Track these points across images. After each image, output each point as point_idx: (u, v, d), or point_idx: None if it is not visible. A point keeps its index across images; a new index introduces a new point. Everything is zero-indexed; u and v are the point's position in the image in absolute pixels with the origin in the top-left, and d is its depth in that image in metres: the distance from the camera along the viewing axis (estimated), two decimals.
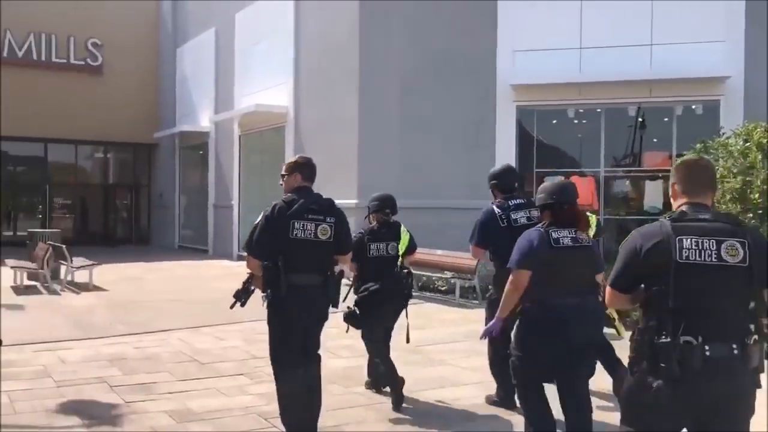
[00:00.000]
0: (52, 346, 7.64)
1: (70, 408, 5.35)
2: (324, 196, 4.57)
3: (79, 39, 22.91)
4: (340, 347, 7.62)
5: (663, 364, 2.72)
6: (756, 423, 2.89)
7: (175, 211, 23.08)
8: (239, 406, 5.47)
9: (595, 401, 4.40)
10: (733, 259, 2.76)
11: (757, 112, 9.88)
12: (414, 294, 8.03)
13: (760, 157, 7.65)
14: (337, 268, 4.58)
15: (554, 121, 13.87)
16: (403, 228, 5.77)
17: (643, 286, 2.92)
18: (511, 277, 4.12)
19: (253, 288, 4.50)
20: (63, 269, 12.98)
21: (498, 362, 5.29)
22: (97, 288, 12.35)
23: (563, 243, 4.03)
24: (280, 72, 16.68)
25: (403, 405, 5.48)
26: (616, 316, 5.10)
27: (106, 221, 25.58)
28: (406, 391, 5.62)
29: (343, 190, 13.31)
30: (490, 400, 5.58)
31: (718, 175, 6.70)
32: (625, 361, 2.99)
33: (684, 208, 2.94)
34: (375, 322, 5.63)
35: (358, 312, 5.53)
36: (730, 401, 2.79)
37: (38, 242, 13.46)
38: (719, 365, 2.71)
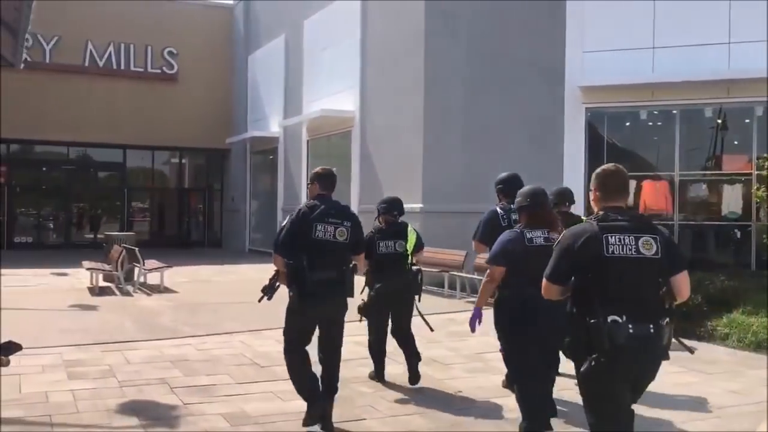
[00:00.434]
0: (119, 346, 7.86)
1: (129, 408, 5.47)
2: (341, 203, 5.20)
3: (156, 48, 23.69)
4: (398, 353, 7.56)
5: (595, 341, 3.25)
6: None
7: (245, 215, 23.54)
8: (294, 411, 5.45)
9: None
10: (649, 252, 3.34)
11: None
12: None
13: None
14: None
15: (627, 124, 13.44)
16: (410, 228, 6.33)
17: (573, 278, 3.44)
18: (488, 271, 4.71)
19: (278, 284, 5.01)
20: (136, 271, 13.39)
21: None
22: (167, 290, 12.68)
23: (536, 242, 4.54)
24: (346, 77, 16.79)
25: (463, 410, 5.39)
26: None
27: (181, 225, 26.33)
28: (465, 399, 5.50)
29: (408, 194, 13.25)
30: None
31: None
32: None
33: (605, 211, 3.47)
34: (383, 315, 6.23)
35: (372, 304, 6.14)
36: (647, 371, 3.43)
37: (113, 245, 13.94)
38: (640, 341, 3.25)
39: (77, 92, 22.53)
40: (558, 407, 5.12)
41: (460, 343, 8.29)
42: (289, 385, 6.04)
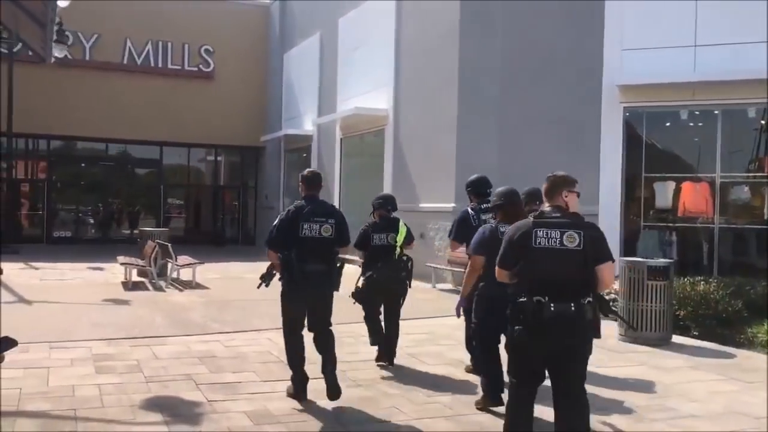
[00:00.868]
0: (148, 341, 7.88)
1: (154, 404, 5.45)
2: (329, 203, 5.94)
3: (193, 46, 23.89)
4: (425, 354, 7.45)
5: (522, 316, 3.98)
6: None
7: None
8: (317, 411, 5.40)
9: None
10: (572, 245, 3.97)
11: None
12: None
13: None
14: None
15: (666, 124, 13.12)
16: (401, 222, 6.95)
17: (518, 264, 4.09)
18: (470, 261, 5.44)
19: (274, 272, 5.73)
20: (169, 267, 13.49)
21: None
22: (199, 286, 12.74)
23: None
24: (380, 75, 16.71)
25: (486, 417, 5.26)
26: None
27: (215, 221, 26.54)
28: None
29: (441, 194, 13.14)
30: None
31: None
32: None
33: (545, 208, 4.19)
34: (376, 300, 6.85)
35: (364, 291, 6.76)
36: (571, 345, 4.01)
37: (147, 240, 14.07)
38: (560, 318, 3.90)
39: (115, 90, 22.83)
40: None
41: None
42: (315, 384, 6.04)
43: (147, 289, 12.42)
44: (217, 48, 24.08)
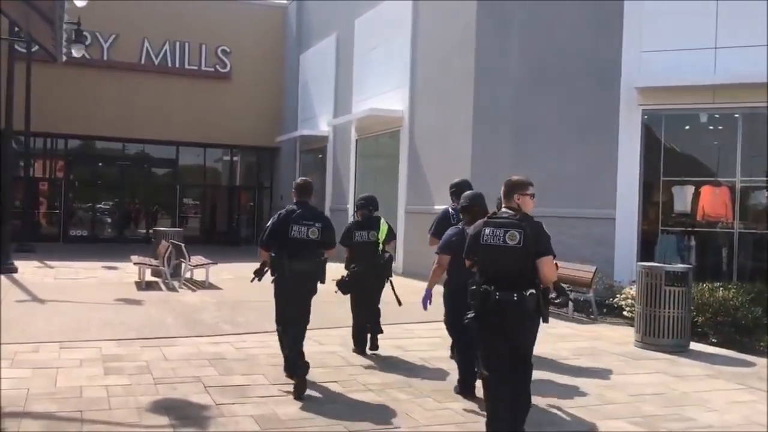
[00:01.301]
0: (158, 342, 7.84)
1: (161, 406, 5.39)
2: (317, 209, 6.51)
3: (210, 46, 23.94)
4: (437, 359, 7.36)
5: (472, 302, 4.64)
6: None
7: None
8: (326, 416, 5.31)
9: None
10: (512, 242, 4.54)
11: None
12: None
13: None
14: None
15: (686, 127, 12.91)
16: (382, 221, 7.54)
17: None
18: (437, 259, 5.95)
19: (266, 269, 6.29)
20: (183, 267, 13.49)
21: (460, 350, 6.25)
22: (212, 286, 12.72)
23: None
24: (396, 76, 16.63)
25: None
26: None
27: (231, 222, 26.58)
28: None
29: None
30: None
31: None
32: None
33: (498, 210, 4.86)
34: (358, 293, 7.44)
35: (346, 283, 7.34)
36: (516, 326, 4.60)
37: (161, 240, 14.07)
38: (503, 304, 4.52)
39: (133, 90, 22.94)
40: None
41: None
42: (324, 388, 5.97)
43: (160, 289, 12.40)
44: (233, 48, 24.12)
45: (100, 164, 25.91)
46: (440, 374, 6.73)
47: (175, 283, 12.83)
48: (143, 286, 12.43)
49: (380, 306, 7.74)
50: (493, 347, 4.65)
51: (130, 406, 5.38)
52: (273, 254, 6.14)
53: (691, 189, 12.25)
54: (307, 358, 7.11)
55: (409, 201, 15.91)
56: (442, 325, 6.43)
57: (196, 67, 23.93)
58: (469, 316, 4.69)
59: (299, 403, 5.60)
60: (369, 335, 7.60)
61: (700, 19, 11.75)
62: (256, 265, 6.41)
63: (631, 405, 5.91)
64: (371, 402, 5.75)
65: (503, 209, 4.75)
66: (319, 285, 6.22)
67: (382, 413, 5.44)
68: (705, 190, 12.06)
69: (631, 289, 10.04)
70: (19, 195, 20.30)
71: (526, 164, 12.95)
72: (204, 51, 23.93)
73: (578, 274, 10.86)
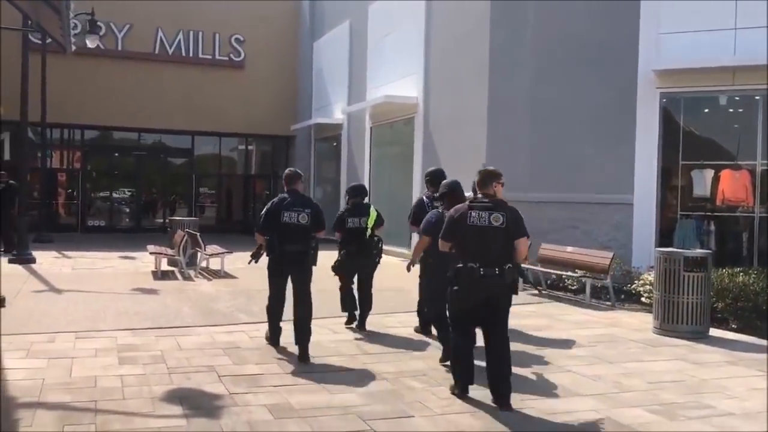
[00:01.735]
0: (173, 331, 7.85)
1: (175, 396, 5.38)
2: (306, 196, 7.24)
3: (224, 35, 23.88)
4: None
5: (458, 278, 5.31)
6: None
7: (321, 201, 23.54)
8: (340, 405, 5.27)
9: None
10: (497, 223, 5.25)
11: None
12: (542, 292, 11.12)
13: None
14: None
15: (705, 110, 12.69)
16: (372, 208, 8.17)
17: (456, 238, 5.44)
18: (419, 239, 6.57)
19: (262, 252, 6.98)
20: (199, 256, 13.51)
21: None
22: (228, 275, 12.73)
23: None
24: (410, 63, 16.49)
25: (517, 410, 5.10)
26: None
27: (246, 210, 26.62)
28: (520, 398, 5.26)
29: (471, 183, 12.91)
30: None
31: None
32: None
33: (479, 196, 5.46)
34: (350, 272, 8.17)
35: (340, 264, 8.04)
36: (496, 298, 5.36)
37: (177, 230, 14.10)
38: (488, 279, 5.24)
39: (147, 80, 22.95)
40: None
41: (519, 337, 7.96)
42: (338, 377, 5.94)
43: (176, 278, 12.44)
44: (247, 37, 24.05)
45: (116, 154, 26.01)
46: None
47: (191, 273, 12.86)
48: (159, 275, 12.46)
49: (381, 293, 8.32)
50: (473, 315, 5.40)
51: (143, 395, 5.37)
52: (267, 238, 6.80)
53: (710, 173, 12.06)
54: (321, 347, 7.17)
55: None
56: None
57: (210, 57, 23.88)
58: (455, 289, 5.36)
59: (313, 393, 5.57)
60: (358, 315, 8.25)
61: None
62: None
63: (649, 393, 5.82)
64: (385, 390, 5.71)
65: (480, 195, 5.43)
66: (333, 277, 7.14)
67: (397, 402, 5.40)
68: (725, 173, 11.87)
69: (649, 274, 9.91)
70: (37, 186, 20.44)
71: (542, 149, 12.82)
72: (218, 40, 23.88)
73: (595, 260, 10.75)
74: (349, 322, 8.30)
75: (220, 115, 23.51)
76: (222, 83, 23.79)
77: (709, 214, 12.07)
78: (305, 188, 23.44)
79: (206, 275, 12.74)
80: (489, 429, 4.88)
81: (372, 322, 8.25)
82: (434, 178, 7.48)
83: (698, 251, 8.58)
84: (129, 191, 25.68)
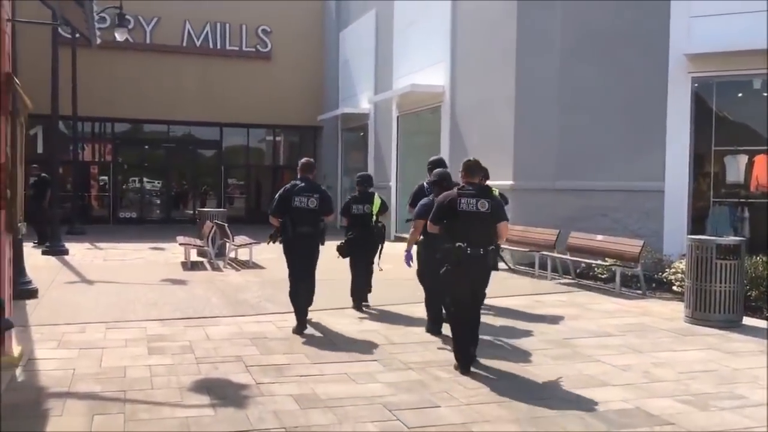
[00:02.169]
0: (202, 321, 7.93)
1: (202, 386, 5.43)
2: (316, 183, 7.86)
3: (251, 27, 23.97)
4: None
5: (448, 257, 5.86)
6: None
7: (337, 192, 23.58)
8: (365, 395, 5.27)
9: None
10: (483, 209, 5.86)
11: None
12: (570, 281, 11.39)
13: None
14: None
15: (738, 94, 12.40)
16: (376, 195, 8.87)
17: (445, 221, 5.99)
18: (414, 223, 7.01)
19: (279, 234, 7.54)
20: (227, 246, 13.61)
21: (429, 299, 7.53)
22: (256, 265, 12.82)
23: None
24: (437, 51, 16.38)
25: (544, 401, 5.05)
26: None
27: None
28: (548, 388, 5.17)
29: (499, 171, 12.78)
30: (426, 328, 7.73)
31: None
32: None
33: (464, 184, 6.01)
34: (355, 255, 8.78)
35: (345, 247, 8.70)
36: (480, 276, 5.99)
37: (206, 221, 14.21)
38: (474, 258, 5.81)
39: (175, 72, 23.16)
40: None
41: (548, 327, 7.89)
42: (364, 367, 5.93)
43: (205, 269, 12.56)
44: (274, 28, 24.11)
45: (146, 147, 26.30)
46: (480, 353, 6.61)
47: (220, 263, 12.97)
48: (188, 266, 12.59)
49: (408, 282, 8.29)
50: (463, 290, 5.96)
51: (172, 385, 5.43)
52: (281, 221, 7.42)
53: (744, 158, 11.81)
54: (347, 336, 7.17)
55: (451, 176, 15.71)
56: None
57: (237, 48, 24.02)
58: (445, 268, 5.87)
59: (339, 383, 5.57)
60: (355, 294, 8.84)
61: None
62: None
63: (680, 383, 5.72)
64: (411, 380, 5.69)
65: (465, 184, 5.99)
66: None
67: (423, 392, 5.38)
68: (759, 159, 11.62)
69: (680, 263, 9.76)
70: (69, 179, 20.75)
71: (571, 137, 12.67)
72: (245, 31, 23.97)
73: (625, 248, 10.60)
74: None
75: (247, 106, 23.64)
76: (249, 74, 23.90)
77: (743, 200, 11.83)
78: (333, 178, 23.86)
79: (235, 266, 12.83)
80: (516, 419, 4.84)
81: (399, 311, 8.24)
82: (435, 166, 7.80)
83: (731, 238, 8.41)
84: (159, 183, 25.97)
